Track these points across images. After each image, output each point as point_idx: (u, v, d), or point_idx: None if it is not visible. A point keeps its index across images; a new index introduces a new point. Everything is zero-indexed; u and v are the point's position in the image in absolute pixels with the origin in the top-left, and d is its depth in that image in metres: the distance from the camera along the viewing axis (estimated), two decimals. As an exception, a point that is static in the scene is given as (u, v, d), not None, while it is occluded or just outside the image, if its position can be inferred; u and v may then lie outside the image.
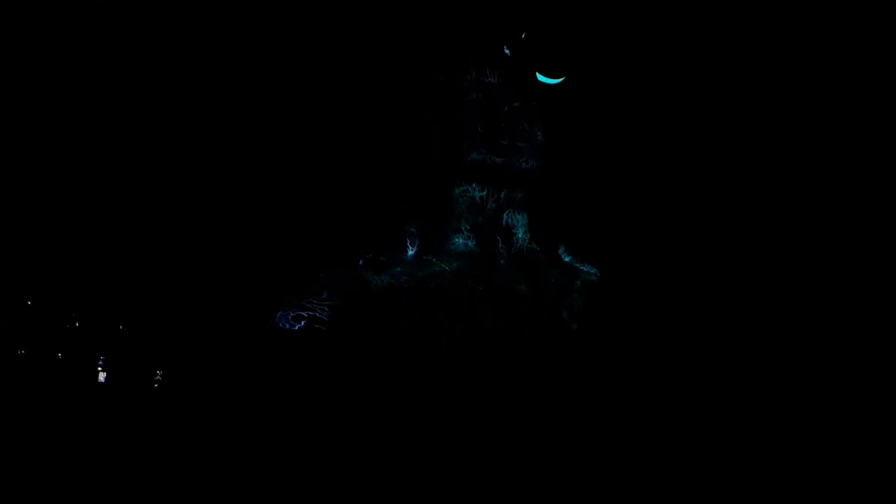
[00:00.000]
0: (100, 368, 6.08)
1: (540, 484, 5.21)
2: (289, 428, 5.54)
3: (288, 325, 6.25)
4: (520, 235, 7.00)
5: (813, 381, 6.06)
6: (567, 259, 6.98)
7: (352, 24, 6.87)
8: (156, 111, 6.68)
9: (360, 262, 6.43)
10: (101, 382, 6.01)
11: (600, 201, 6.96)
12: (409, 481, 5.21)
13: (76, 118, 6.55)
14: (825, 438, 5.54)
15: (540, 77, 6.89)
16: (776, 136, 6.83)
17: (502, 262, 6.83)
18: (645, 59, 6.89)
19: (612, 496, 5.15)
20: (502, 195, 6.96)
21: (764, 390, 5.99)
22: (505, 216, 6.97)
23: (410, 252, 6.76)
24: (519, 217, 6.99)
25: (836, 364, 6.16)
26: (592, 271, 6.85)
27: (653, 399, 5.89)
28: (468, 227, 6.88)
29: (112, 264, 6.46)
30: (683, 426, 5.76)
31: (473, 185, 6.91)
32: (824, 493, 5.07)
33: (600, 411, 5.76)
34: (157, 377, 6.14)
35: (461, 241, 6.86)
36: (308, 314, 6.26)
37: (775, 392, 5.97)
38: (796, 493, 5.08)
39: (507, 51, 6.88)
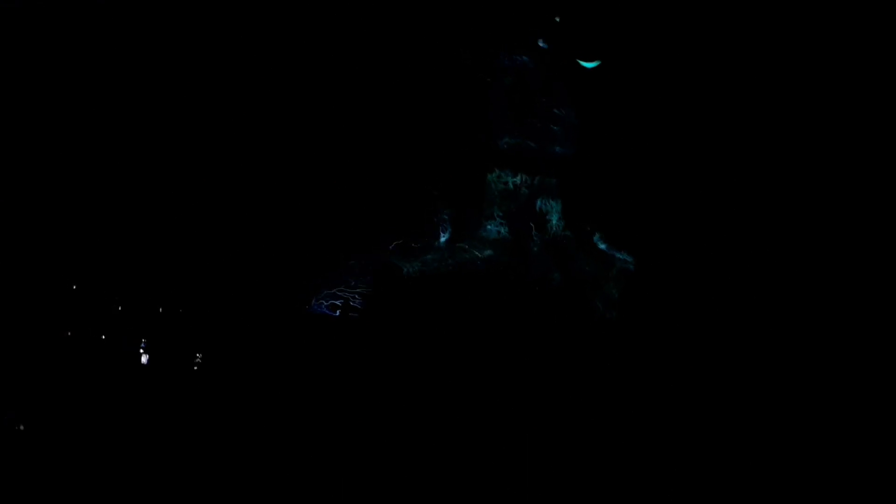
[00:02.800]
0: (142, 350, 6.20)
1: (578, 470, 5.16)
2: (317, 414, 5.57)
3: (322, 312, 6.31)
4: (554, 222, 6.88)
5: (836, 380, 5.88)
6: (602, 246, 6.84)
7: (390, 9, 6.81)
8: (181, 104, 6.73)
9: (390, 248, 6.42)
10: (143, 364, 6.13)
11: (636, 187, 6.78)
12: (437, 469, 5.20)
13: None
14: (834, 438, 5.38)
15: (576, 61, 6.72)
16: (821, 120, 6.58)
17: (535, 249, 6.74)
18: (683, 43, 6.67)
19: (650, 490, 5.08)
20: (536, 181, 6.85)
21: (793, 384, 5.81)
22: (539, 202, 6.86)
23: (443, 238, 6.71)
24: (553, 203, 6.87)
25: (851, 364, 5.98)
26: (629, 259, 6.70)
27: (686, 390, 5.75)
28: (501, 214, 6.80)
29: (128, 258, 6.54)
30: (720, 417, 5.62)
31: (507, 171, 6.83)
32: (825, 494, 4.93)
33: (632, 403, 5.64)
34: (196, 359, 6.23)
35: (494, 227, 6.78)
36: (340, 302, 6.30)
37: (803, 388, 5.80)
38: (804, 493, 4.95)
39: (541, 42, 6.75)
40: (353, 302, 6.32)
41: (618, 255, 6.77)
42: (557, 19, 6.74)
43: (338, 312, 6.31)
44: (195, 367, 6.17)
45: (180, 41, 6.64)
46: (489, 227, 6.75)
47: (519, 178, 6.79)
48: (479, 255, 6.50)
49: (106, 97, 6.62)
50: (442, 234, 6.72)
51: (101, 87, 6.60)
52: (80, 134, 6.55)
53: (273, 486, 5.02)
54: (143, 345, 6.20)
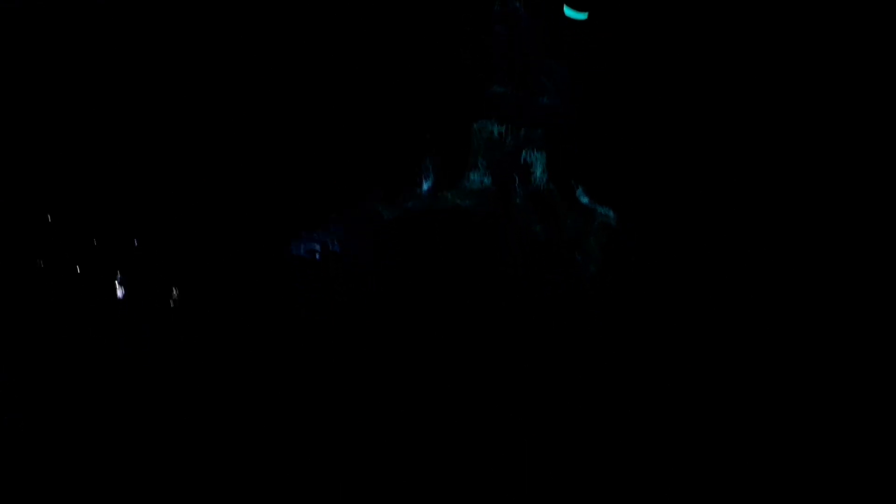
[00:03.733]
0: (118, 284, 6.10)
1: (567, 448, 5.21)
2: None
3: (300, 255, 6.23)
4: (538, 174, 6.83)
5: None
6: (585, 200, 6.82)
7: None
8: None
9: (370, 195, 6.33)
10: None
11: (623, 142, 6.72)
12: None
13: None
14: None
15: (567, 11, 6.58)
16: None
17: (518, 201, 6.70)
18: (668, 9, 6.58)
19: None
20: (522, 132, 6.77)
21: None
22: (523, 153, 6.80)
23: (425, 186, 6.64)
24: (538, 155, 6.81)
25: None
26: (611, 214, 6.68)
27: (668, 350, 5.80)
28: (485, 164, 6.73)
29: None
30: (704, 380, 5.68)
31: (492, 120, 6.73)
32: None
33: (612, 360, 5.68)
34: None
35: (477, 177, 6.71)
36: (318, 246, 6.22)
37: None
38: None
39: None
40: (332, 246, 6.25)
41: (599, 209, 6.75)
42: None
43: (317, 256, 6.24)
44: (172, 306, 6.10)
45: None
46: (472, 176, 6.69)
47: (505, 127, 6.71)
48: (462, 205, 6.45)
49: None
50: (424, 182, 6.64)
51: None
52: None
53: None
54: (118, 280, 6.12)
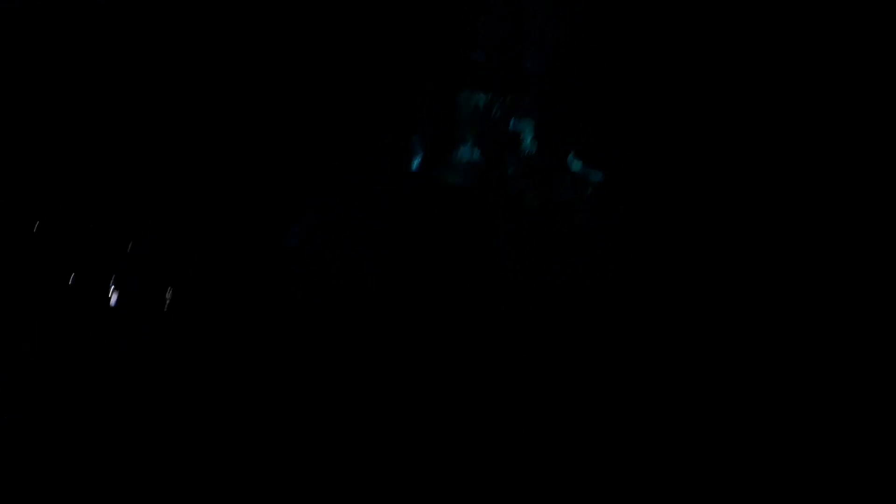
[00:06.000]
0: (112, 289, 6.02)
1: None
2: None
3: (293, 245, 6.14)
4: (527, 142, 6.69)
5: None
6: (577, 167, 6.71)
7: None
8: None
9: (357, 177, 6.19)
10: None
11: (613, 106, 6.57)
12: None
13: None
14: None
15: None
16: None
17: (510, 171, 6.58)
18: None
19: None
20: (508, 99, 6.59)
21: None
22: (512, 122, 6.64)
23: (415, 164, 6.50)
24: (527, 123, 6.65)
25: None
26: (602, 180, 6.60)
27: (662, 326, 5.82)
28: (473, 136, 6.57)
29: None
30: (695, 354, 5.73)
31: (477, 90, 6.54)
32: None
33: (606, 337, 5.70)
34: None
35: (466, 150, 6.57)
36: (310, 234, 6.13)
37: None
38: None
39: None
40: (324, 234, 6.16)
41: (591, 177, 6.66)
42: None
43: (311, 244, 6.16)
44: (168, 304, 6.03)
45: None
46: (461, 150, 6.54)
47: (490, 96, 6.53)
48: (454, 181, 6.33)
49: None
50: (413, 160, 6.50)
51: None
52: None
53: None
54: (112, 284, 6.03)
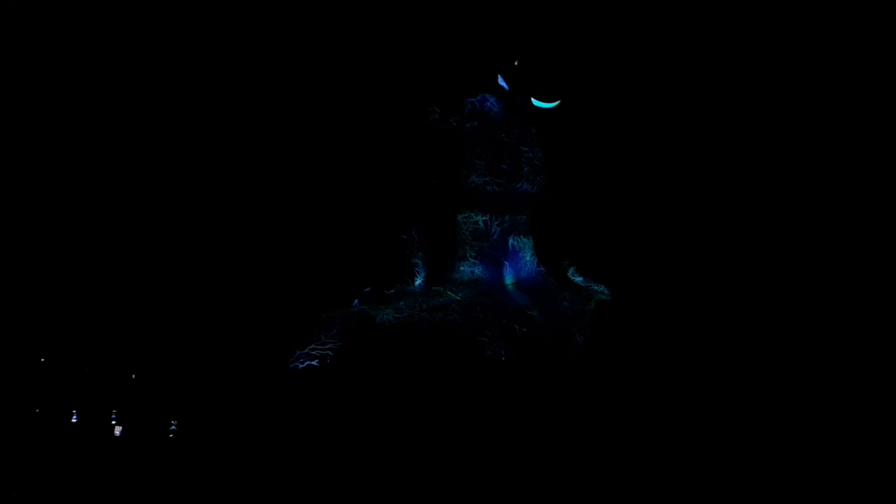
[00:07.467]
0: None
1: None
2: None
3: (299, 371, 6.12)
4: (527, 259, 6.78)
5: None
6: (578, 280, 6.78)
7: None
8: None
9: (362, 296, 6.25)
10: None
11: (607, 219, 6.75)
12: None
13: (77, 117, 6.57)
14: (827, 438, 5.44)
15: (536, 102, 6.63)
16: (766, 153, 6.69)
17: (511, 287, 6.64)
18: (637, 80, 6.73)
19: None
20: (506, 219, 6.73)
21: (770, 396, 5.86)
22: (511, 240, 6.75)
23: (417, 282, 6.58)
24: (525, 240, 6.76)
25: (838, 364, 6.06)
26: (605, 291, 6.64)
27: (669, 421, 5.73)
28: (473, 254, 6.67)
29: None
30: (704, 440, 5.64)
31: (476, 211, 6.68)
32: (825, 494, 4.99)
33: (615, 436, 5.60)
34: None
35: (467, 268, 6.65)
36: (316, 362, 6.10)
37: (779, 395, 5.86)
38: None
39: (502, 81, 6.64)
40: (329, 359, 6.15)
41: (594, 288, 6.70)
42: (516, 63, 6.65)
43: (315, 366, 6.15)
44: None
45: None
46: (462, 267, 6.63)
47: (489, 216, 6.66)
48: (455, 297, 6.36)
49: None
50: (416, 278, 6.59)
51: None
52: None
53: None
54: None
